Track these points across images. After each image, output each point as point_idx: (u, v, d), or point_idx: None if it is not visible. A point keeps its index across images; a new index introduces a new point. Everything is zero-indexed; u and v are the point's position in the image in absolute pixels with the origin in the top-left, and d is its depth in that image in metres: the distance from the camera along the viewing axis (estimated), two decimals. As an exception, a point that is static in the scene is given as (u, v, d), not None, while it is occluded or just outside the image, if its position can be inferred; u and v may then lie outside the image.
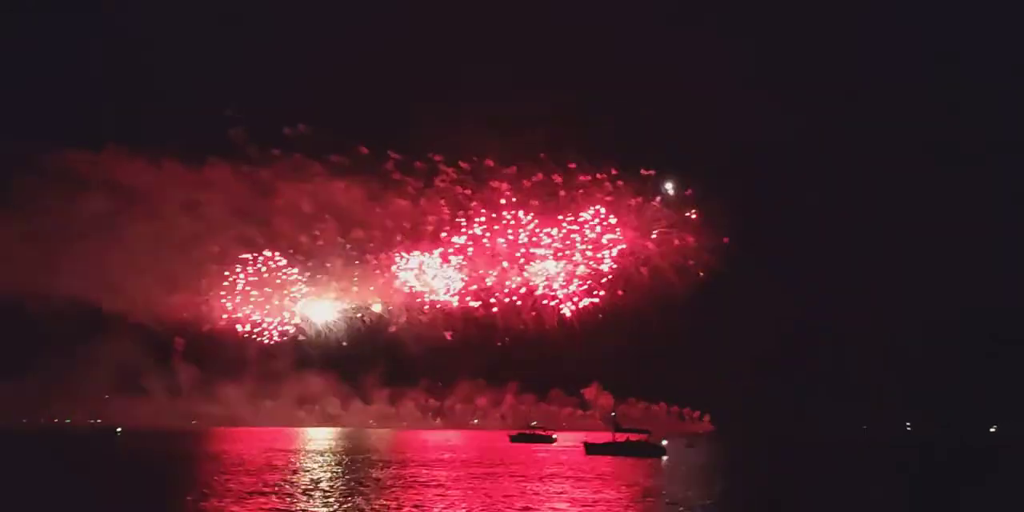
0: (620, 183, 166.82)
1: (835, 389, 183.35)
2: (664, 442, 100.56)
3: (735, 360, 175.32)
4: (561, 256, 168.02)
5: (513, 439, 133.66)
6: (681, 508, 44.38)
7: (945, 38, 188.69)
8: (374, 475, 60.34)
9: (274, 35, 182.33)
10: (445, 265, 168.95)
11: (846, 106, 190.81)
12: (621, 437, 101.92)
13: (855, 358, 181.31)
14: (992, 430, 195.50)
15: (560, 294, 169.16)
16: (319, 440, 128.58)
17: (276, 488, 50.84)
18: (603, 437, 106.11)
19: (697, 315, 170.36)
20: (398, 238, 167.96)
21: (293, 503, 43.75)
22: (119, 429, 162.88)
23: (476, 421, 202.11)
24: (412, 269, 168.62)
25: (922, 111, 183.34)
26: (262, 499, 45.38)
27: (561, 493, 49.70)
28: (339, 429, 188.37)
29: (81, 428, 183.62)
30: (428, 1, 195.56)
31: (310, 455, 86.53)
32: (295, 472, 63.21)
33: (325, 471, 64.16)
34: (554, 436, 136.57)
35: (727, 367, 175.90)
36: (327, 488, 51.56)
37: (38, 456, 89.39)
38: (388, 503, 43.60)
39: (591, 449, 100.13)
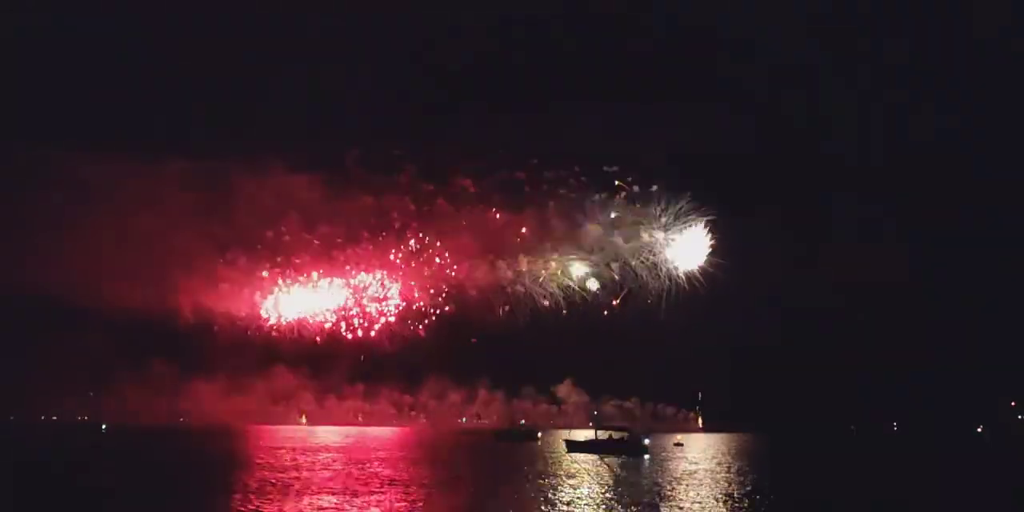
0: (584, 179, 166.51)
1: (821, 387, 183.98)
2: (647, 441, 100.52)
3: (718, 356, 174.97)
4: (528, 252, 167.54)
5: (498, 437, 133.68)
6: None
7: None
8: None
9: (227, 27, 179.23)
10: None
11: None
12: (602, 435, 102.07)
13: (843, 355, 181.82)
14: (979, 430, 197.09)
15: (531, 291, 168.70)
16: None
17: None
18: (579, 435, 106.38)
19: (674, 310, 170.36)
20: (364, 234, 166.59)
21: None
22: (104, 426, 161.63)
23: (464, 420, 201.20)
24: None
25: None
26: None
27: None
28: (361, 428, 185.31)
29: (68, 425, 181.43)
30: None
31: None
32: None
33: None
34: (539, 434, 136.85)
35: (709, 363, 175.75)
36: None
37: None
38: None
39: (572, 447, 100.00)
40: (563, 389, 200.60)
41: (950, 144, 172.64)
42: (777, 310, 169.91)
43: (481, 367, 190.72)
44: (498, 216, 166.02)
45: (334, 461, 76.81)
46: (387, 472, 64.34)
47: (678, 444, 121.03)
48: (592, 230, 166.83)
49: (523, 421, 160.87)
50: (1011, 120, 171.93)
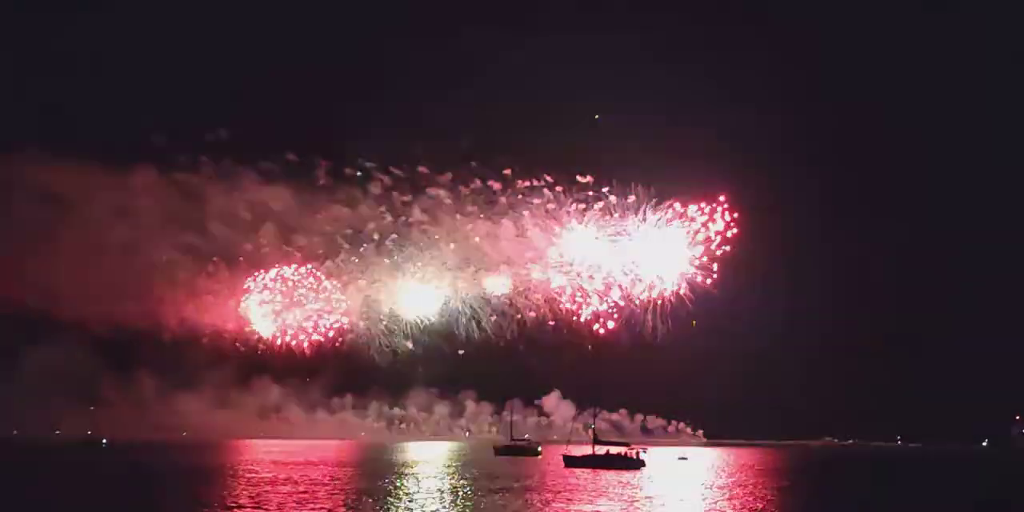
0: (559, 189, 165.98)
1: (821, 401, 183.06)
2: (645, 455, 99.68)
3: (711, 368, 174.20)
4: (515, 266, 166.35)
5: (498, 452, 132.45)
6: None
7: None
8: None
9: (192, 39, 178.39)
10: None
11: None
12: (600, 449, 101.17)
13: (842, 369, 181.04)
14: (984, 444, 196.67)
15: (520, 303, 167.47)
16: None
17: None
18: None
19: (661, 321, 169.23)
20: (346, 246, 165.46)
21: None
22: (104, 441, 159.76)
23: (468, 434, 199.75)
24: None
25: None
26: None
27: None
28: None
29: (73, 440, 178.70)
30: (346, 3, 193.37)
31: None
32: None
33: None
34: (539, 448, 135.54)
35: (700, 376, 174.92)
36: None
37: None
38: None
39: (570, 462, 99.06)
40: (549, 401, 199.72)
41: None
42: (773, 321, 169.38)
43: (466, 379, 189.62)
44: (475, 227, 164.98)
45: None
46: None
47: (682, 458, 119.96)
48: (570, 241, 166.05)
49: (526, 435, 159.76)
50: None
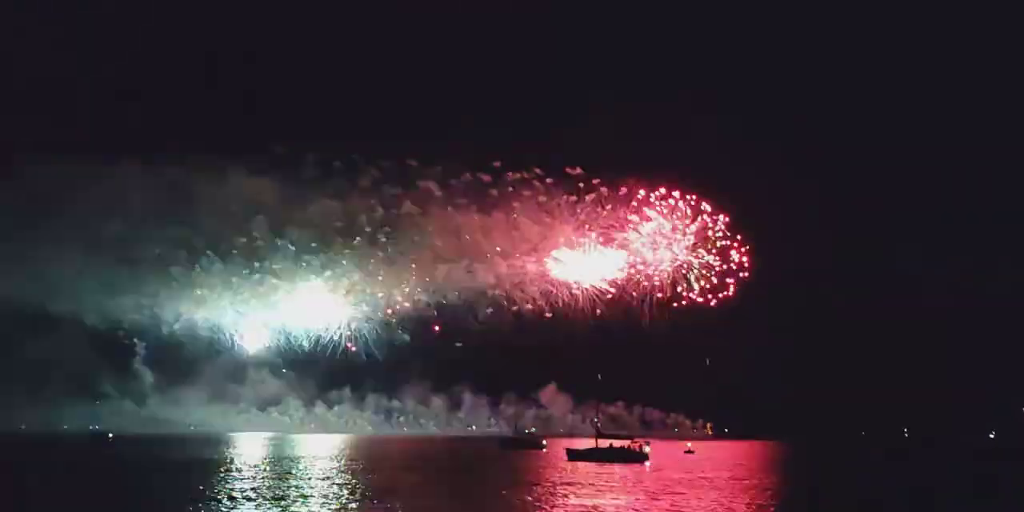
0: (549, 181, 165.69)
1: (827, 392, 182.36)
2: (647, 448, 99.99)
3: (710, 361, 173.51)
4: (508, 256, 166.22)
5: (503, 445, 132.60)
6: None
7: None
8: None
9: (175, 29, 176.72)
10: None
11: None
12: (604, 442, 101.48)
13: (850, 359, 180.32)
14: (992, 436, 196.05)
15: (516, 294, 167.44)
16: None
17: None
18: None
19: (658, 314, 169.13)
20: (338, 239, 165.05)
21: None
22: (111, 435, 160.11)
23: (472, 427, 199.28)
24: None
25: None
26: None
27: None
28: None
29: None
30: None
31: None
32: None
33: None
34: (544, 442, 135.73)
35: (699, 369, 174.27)
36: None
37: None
38: None
39: (573, 455, 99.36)
40: (547, 394, 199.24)
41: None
42: (774, 314, 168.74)
43: (462, 372, 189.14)
44: (465, 219, 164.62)
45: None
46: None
47: (689, 451, 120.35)
48: (562, 232, 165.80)
49: (534, 429, 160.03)
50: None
